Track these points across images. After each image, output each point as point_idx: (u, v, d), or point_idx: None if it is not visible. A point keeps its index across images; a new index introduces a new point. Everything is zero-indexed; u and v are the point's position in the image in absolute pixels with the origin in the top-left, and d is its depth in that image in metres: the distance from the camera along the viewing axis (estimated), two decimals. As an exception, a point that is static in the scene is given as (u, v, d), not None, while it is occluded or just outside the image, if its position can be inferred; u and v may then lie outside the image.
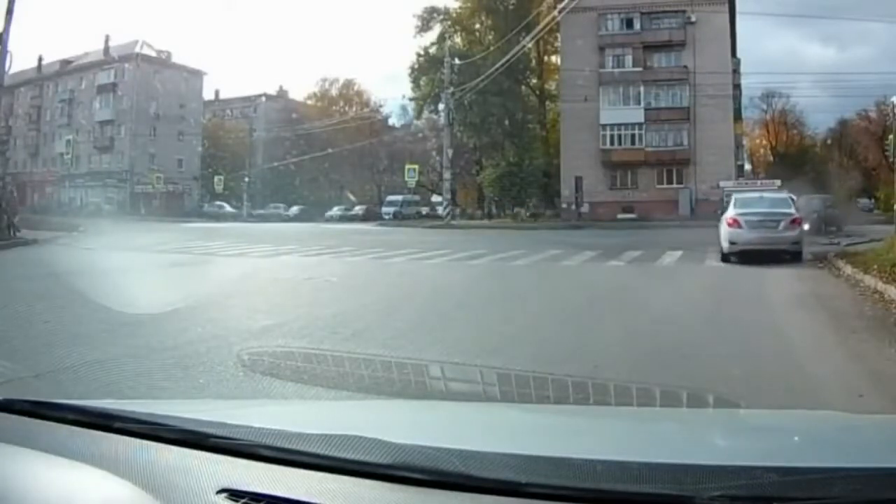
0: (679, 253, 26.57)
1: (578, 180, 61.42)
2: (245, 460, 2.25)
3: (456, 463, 2.08)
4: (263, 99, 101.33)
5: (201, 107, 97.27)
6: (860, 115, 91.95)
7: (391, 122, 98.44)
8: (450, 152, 61.09)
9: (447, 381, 4.17)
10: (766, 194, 29.10)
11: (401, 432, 2.33)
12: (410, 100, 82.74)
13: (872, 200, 71.03)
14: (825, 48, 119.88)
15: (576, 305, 14.66)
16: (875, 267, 17.68)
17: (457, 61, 71.16)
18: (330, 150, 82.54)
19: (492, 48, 69.58)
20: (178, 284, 18.04)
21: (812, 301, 14.92)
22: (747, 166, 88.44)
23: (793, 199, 26.95)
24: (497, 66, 61.02)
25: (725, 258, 23.66)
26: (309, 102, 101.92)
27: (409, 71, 79.97)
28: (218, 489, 2.10)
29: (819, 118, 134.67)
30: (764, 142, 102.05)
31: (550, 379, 3.95)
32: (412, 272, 21.90)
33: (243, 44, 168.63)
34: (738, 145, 74.88)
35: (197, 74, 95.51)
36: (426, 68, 75.69)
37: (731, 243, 23.59)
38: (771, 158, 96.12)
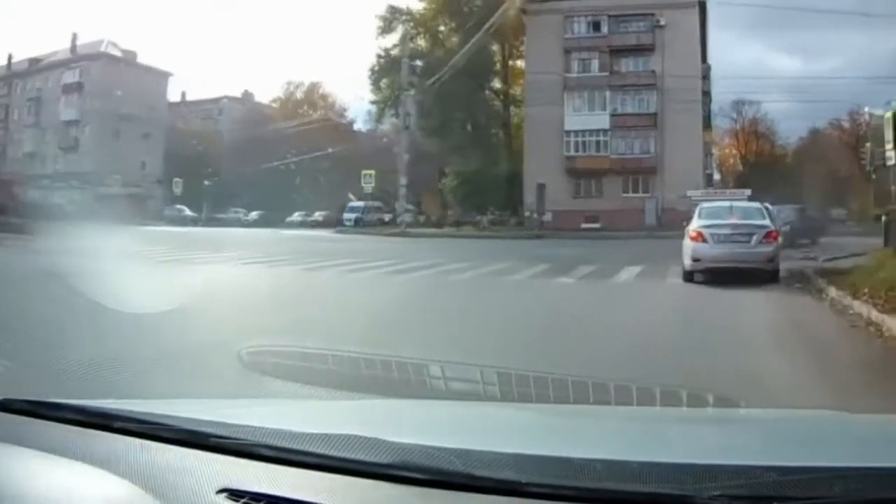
0: (639, 268, 24.50)
1: (541, 188, 59.73)
2: (245, 460, 2.23)
3: (456, 462, 2.07)
4: (225, 101, 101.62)
5: (166, 108, 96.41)
6: (832, 125, 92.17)
7: (357, 126, 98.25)
8: (406, 157, 59.70)
9: (447, 381, 4.04)
10: (736, 203, 26.08)
11: (401, 432, 2.31)
12: (371, 103, 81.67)
13: (845, 211, 67.74)
14: (794, 59, 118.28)
15: (493, 347, 10.74)
16: (866, 290, 15.24)
17: (418, 63, 70.22)
18: (292, 156, 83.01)
19: (456, 50, 68.11)
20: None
21: (792, 338, 12.35)
22: (717, 176, 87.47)
23: (767, 210, 23.54)
24: (450, 64, 60.71)
25: (688, 277, 21.03)
26: (274, 106, 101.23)
27: (370, 73, 78.66)
28: (218, 489, 2.09)
29: (790, 126, 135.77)
30: (734, 151, 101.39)
31: (550, 378, 3.81)
32: (325, 287, 20.67)
33: (211, 45, 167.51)
34: (708, 154, 74.09)
35: (162, 75, 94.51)
36: (387, 70, 74.61)
37: (695, 260, 20.95)
38: (741, 168, 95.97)
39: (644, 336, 11.79)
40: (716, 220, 21.81)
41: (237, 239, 42.01)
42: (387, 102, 75.29)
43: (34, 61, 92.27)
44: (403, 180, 59.46)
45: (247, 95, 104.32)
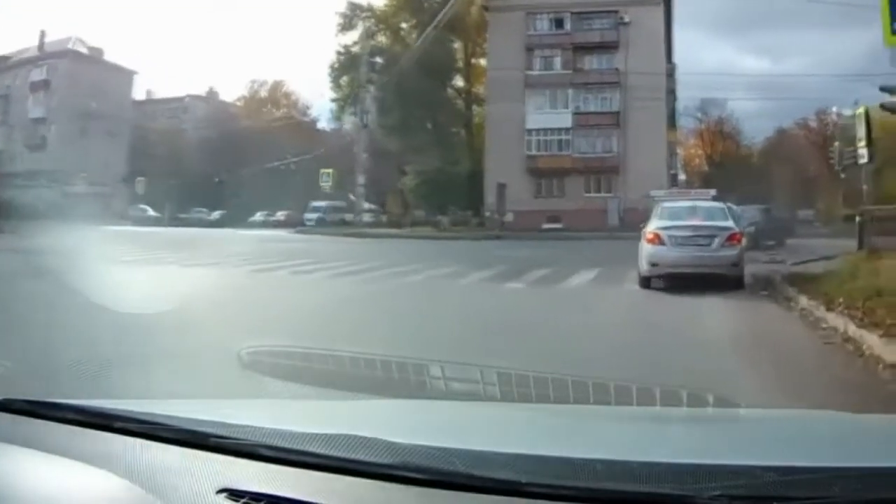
0: (595, 272, 23.28)
1: (501, 188, 58.82)
2: (245, 460, 2.25)
3: (456, 463, 2.08)
4: (190, 100, 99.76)
5: (131, 106, 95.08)
6: (799, 124, 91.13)
7: (320, 125, 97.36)
8: (364, 156, 59.57)
9: (447, 381, 4.02)
10: (698, 203, 24.65)
11: (401, 432, 2.31)
12: (332, 101, 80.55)
13: (812, 212, 66.82)
14: (761, 59, 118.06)
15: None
16: (840, 300, 13.57)
17: (379, 60, 69.56)
18: (255, 155, 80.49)
19: (417, 47, 67.71)
20: None
21: (758, 359, 10.43)
22: (682, 176, 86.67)
23: (731, 210, 21.87)
24: (404, 58, 57.25)
25: (645, 283, 19.74)
26: (238, 104, 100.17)
27: (330, 70, 77.74)
28: (218, 489, 2.10)
29: (756, 126, 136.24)
30: (699, 151, 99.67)
31: (550, 378, 3.78)
32: (264, 289, 19.79)
33: (178, 43, 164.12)
34: (672, 153, 73.57)
35: (127, 73, 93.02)
36: (347, 67, 73.66)
37: (652, 265, 19.63)
38: (706, 168, 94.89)
39: (580, 356, 9.98)
40: (675, 221, 20.52)
41: (194, 239, 40.97)
42: (347, 100, 73.97)
43: (2, 59, 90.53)
44: (361, 179, 59.17)
45: (211, 94, 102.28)
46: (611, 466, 2.05)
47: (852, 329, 11.41)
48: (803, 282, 17.60)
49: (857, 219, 22.38)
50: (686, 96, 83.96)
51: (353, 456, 2.15)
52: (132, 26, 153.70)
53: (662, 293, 18.51)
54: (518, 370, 3.96)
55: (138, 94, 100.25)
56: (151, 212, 74.98)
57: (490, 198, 62.13)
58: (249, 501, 2.05)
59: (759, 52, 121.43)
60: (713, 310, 15.48)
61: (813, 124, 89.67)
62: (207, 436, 2.35)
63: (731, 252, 19.47)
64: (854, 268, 17.56)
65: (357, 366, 4.25)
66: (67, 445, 2.36)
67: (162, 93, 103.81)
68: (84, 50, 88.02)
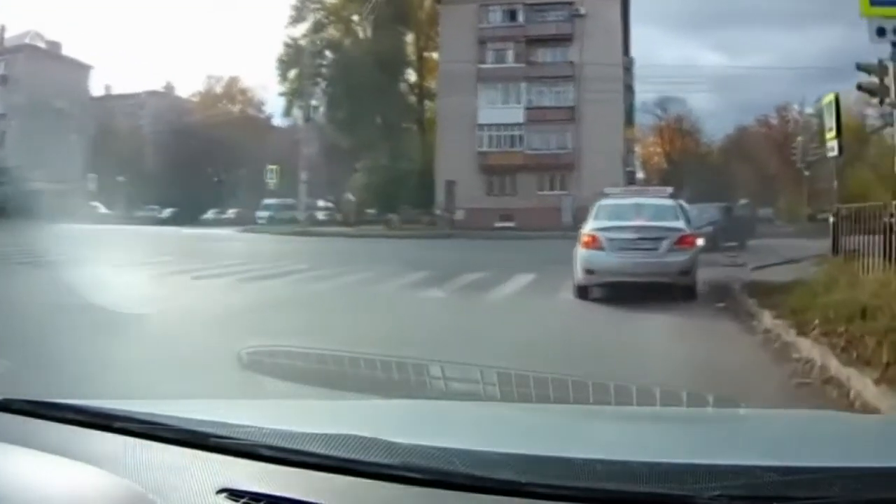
0: (532, 276, 21.39)
1: (450, 185, 58.51)
2: (245, 460, 2.25)
3: (456, 463, 2.09)
4: (146, 96, 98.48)
5: (88, 101, 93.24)
6: (759, 121, 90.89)
7: (276, 122, 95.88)
8: (306, 151, 58.65)
9: (447, 381, 4.01)
10: (644, 200, 21.11)
11: (401, 432, 2.31)
12: (280, 95, 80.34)
13: (772, 210, 65.48)
14: (721, 56, 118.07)
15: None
16: (816, 322, 10.84)
17: (328, 54, 69.64)
18: (210, 152, 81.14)
19: (368, 40, 69.19)
20: None
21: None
22: (640, 174, 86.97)
23: (682, 208, 19.27)
24: (361, 50, 53.79)
25: (581, 293, 17.39)
26: (194, 100, 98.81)
27: (278, 63, 76.49)
28: (218, 489, 2.10)
29: (717, 124, 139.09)
30: (658, 149, 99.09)
31: (550, 379, 3.76)
32: (153, 295, 17.14)
33: (137, 38, 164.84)
34: (630, 150, 72.91)
35: (84, 68, 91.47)
36: (295, 60, 72.01)
37: (587, 272, 17.20)
38: (665, 166, 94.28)
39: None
40: (615, 221, 17.97)
41: (133, 238, 40.43)
42: (295, 94, 72.11)
43: None
44: (304, 176, 57.92)
45: (168, 89, 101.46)
46: (611, 466, 2.03)
47: (834, 365, 8.81)
48: (767, 292, 15.22)
49: (831, 219, 19.31)
50: (645, 93, 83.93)
51: (353, 456, 2.13)
52: (92, 21, 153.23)
53: (599, 305, 16.48)
54: (518, 370, 3.91)
55: (97, 89, 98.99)
56: (103, 209, 72.74)
57: (441, 195, 60.98)
58: (249, 501, 2.03)
59: (719, 48, 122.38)
60: (656, 330, 13.19)
61: (774, 121, 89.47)
62: (207, 436, 2.33)
63: (680, 257, 17.01)
64: (829, 277, 15.06)
65: (357, 366, 4.18)
66: (67, 445, 2.32)
67: (121, 88, 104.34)
68: (42, 44, 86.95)
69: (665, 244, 16.95)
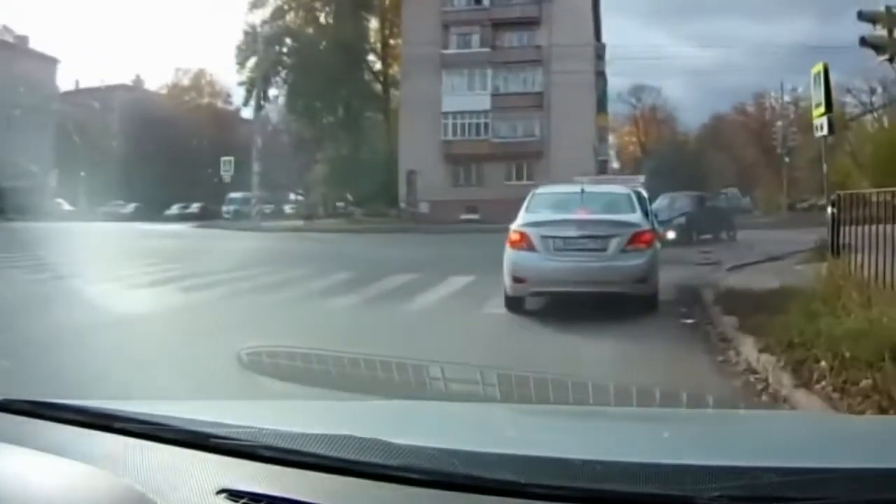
0: (468, 279, 18.69)
1: (411, 175, 57.41)
2: (245, 460, 2.24)
3: (456, 463, 2.08)
4: (114, 89, 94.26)
5: (56, 96, 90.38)
6: (736, 110, 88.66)
7: (246, 114, 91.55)
8: (259, 141, 55.44)
9: (447, 382, 3.92)
10: (591, 188, 17.35)
11: (400, 433, 2.29)
12: (239, 84, 75.67)
13: (748, 200, 63.15)
14: (695, 45, 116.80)
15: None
16: (823, 365, 7.61)
17: (288, 41, 67.17)
18: (176, 145, 78.65)
19: (330, 27, 67.64)
20: None
21: None
22: (615, 164, 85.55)
23: (641, 197, 15.81)
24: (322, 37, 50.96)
25: (513, 304, 14.00)
26: (162, 93, 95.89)
27: (236, 51, 72.82)
28: (217, 489, 2.09)
29: (692, 113, 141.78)
30: (633, 139, 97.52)
31: (550, 380, 3.73)
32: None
33: (105, 31, 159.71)
34: (603, 139, 70.48)
35: (50, 61, 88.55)
36: (254, 48, 67.65)
37: (516, 280, 13.80)
38: (640, 156, 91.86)
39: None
40: (552, 214, 14.45)
41: (77, 236, 38.02)
42: (254, 83, 65.53)
43: None
44: (256, 167, 55.28)
45: (137, 82, 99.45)
46: (610, 467, 2.03)
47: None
48: (748, 306, 11.96)
49: (830, 209, 15.34)
50: (619, 82, 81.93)
51: (352, 456, 2.12)
52: (65, 15, 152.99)
53: (531, 321, 13.38)
54: (518, 371, 3.89)
55: (67, 83, 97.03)
56: (67, 206, 71.06)
57: (403, 187, 59.76)
58: (249, 502, 2.02)
59: (690, 38, 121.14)
60: (595, 361, 9.87)
61: (751, 109, 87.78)
62: (207, 436, 2.31)
63: (635, 260, 13.50)
64: (831, 287, 11.36)
65: (357, 366, 4.11)
66: (67, 446, 2.31)
67: (91, 82, 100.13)
68: (10, 39, 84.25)
69: (615, 243, 13.43)
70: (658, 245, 14.79)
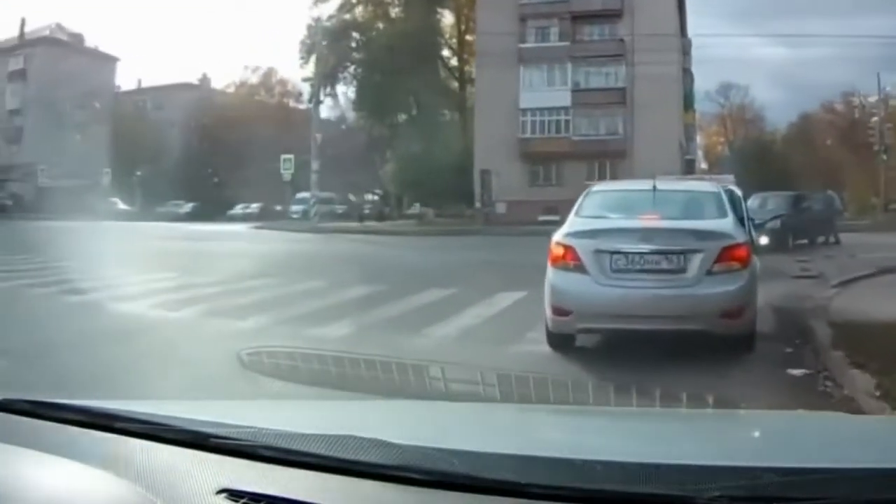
0: (517, 297, 14.92)
1: (485, 175, 54.48)
2: (245, 460, 2.24)
3: (456, 463, 2.08)
4: (179, 88, 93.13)
5: (113, 94, 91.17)
6: (825, 108, 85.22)
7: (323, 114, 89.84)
8: (318, 137, 53.12)
9: (447, 382, 3.90)
10: (666, 184, 12.85)
11: (401, 432, 2.30)
12: (303, 80, 72.65)
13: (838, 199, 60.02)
14: (781, 46, 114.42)
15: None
16: None
17: (356, 35, 65.74)
18: (244, 145, 73.39)
19: (401, 21, 64.86)
20: None
21: None
22: (703, 165, 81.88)
23: (734, 196, 13.33)
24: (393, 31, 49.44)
25: (557, 341, 10.31)
26: (229, 91, 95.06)
27: (300, 47, 70.75)
28: (218, 489, 2.09)
29: (779, 113, 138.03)
30: (721, 139, 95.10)
31: (550, 380, 3.74)
32: None
33: (169, 28, 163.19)
34: (690, 138, 68.50)
35: (109, 60, 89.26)
36: (319, 43, 65.67)
37: (559, 312, 10.09)
38: (728, 155, 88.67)
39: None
40: (613, 219, 10.83)
41: (110, 235, 36.92)
42: (320, 79, 63.40)
43: None
44: (315, 165, 53.28)
45: (204, 81, 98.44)
46: (610, 467, 2.03)
47: None
48: (883, 352, 8.46)
49: None
50: (705, 82, 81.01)
51: (352, 456, 2.12)
52: (127, 15, 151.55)
53: (581, 362, 9.77)
54: (518, 372, 3.88)
55: (129, 82, 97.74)
56: (122, 205, 70.67)
57: (478, 187, 57.40)
58: (249, 502, 2.02)
59: (778, 36, 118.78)
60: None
61: (839, 107, 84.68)
62: (207, 436, 2.32)
63: (726, 286, 9.73)
64: None
65: (357, 366, 4.09)
66: (67, 446, 2.31)
67: (155, 81, 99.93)
68: (64, 37, 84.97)
69: (698, 261, 9.69)
70: (757, 263, 10.69)
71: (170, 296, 16.28)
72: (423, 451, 2.12)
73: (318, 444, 2.17)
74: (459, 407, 3.33)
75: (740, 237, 10.22)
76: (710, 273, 9.67)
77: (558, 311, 10.05)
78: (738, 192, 12.84)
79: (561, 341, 10.26)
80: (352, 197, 68.91)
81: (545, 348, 10.35)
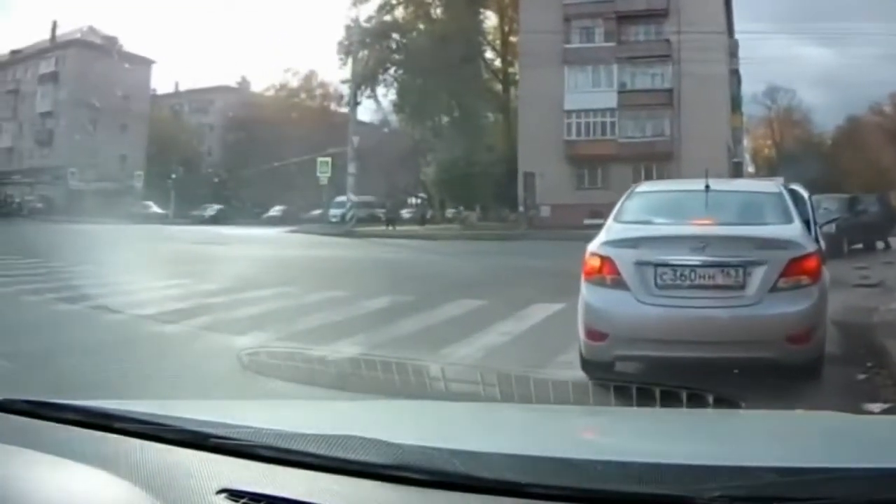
0: (556, 309, 13.46)
1: (529, 178, 53.32)
2: (245, 460, 2.25)
3: (456, 463, 2.07)
4: (217, 91, 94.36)
5: (148, 97, 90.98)
6: (873, 110, 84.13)
7: (364, 118, 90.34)
8: (355, 140, 52.15)
9: (447, 382, 3.96)
10: (721, 185, 10.80)
11: (401, 432, 2.33)
12: (342, 82, 73.74)
13: None
14: (825, 48, 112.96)
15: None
16: None
17: (396, 37, 64.45)
18: (284, 148, 73.21)
19: (442, 23, 62.68)
20: None
21: None
22: (750, 168, 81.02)
23: (798, 197, 10.16)
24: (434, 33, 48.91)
25: (591, 368, 8.38)
26: (268, 94, 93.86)
27: (338, 48, 70.21)
28: (218, 489, 2.10)
29: (825, 115, 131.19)
30: (768, 141, 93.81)
31: (550, 380, 3.98)
32: None
33: (209, 32, 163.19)
34: (738, 141, 67.22)
35: (144, 63, 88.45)
36: (360, 44, 65.62)
37: (594, 336, 8.40)
38: (776, 158, 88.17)
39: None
40: (659, 225, 9.28)
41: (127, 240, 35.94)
42: (359, 82, 63.15)
43: (15, 52, 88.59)
44: (352, 168, 52.71)
45: (243, 84, 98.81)
46: (610, 467, 2.03)
47: None
48: None
49: None
50: (752, 86, 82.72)
51: (352, 456, 2.12)
52: (166, 19, 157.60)
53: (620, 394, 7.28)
54: (518, 372, 3.96)
55: (166, 86, 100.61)
56: (155, 208, 71.00)
57: (522, 190, 56.56)
58: (249, 502, 2.02)
59: (825, 39, 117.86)
60: None
61: (887, 109, 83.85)
62: (207, 436, 2.33)
63: (794, 306, 8.09)
64: None
65: (357, 366, 4.09)
66: (67, 446, 2.32)
67: (193, 84, 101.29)
68: (97, 40, 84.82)
69: (760, 276, 8.09)
70: (827, 276, 8.93)
71: (171, 305, 14.96)
72: (423, 451, 2.11)
73: (318, 444, 2.16)
74: (459, 407, 3.32)
75: (810, 246, 8.61)
76: (774, 289, 8.12)
77: (593, 335, 8.47)
78: (804, 193, 11.06)
79: (597, 367, 8.37)
80: (390, 201, 68.53)
81: (578, 374, 8.36)
